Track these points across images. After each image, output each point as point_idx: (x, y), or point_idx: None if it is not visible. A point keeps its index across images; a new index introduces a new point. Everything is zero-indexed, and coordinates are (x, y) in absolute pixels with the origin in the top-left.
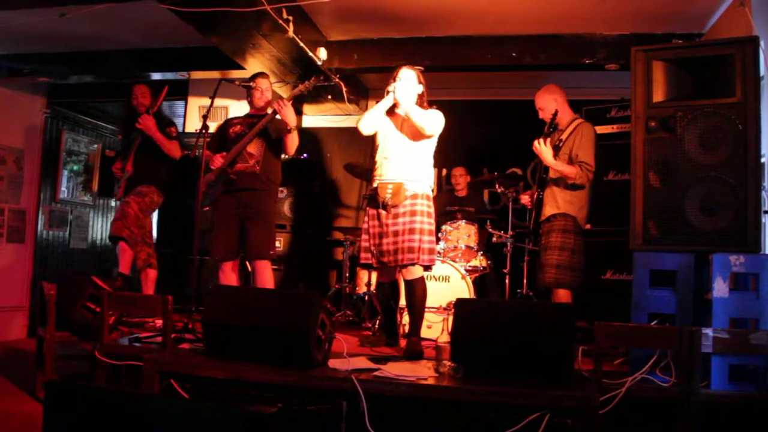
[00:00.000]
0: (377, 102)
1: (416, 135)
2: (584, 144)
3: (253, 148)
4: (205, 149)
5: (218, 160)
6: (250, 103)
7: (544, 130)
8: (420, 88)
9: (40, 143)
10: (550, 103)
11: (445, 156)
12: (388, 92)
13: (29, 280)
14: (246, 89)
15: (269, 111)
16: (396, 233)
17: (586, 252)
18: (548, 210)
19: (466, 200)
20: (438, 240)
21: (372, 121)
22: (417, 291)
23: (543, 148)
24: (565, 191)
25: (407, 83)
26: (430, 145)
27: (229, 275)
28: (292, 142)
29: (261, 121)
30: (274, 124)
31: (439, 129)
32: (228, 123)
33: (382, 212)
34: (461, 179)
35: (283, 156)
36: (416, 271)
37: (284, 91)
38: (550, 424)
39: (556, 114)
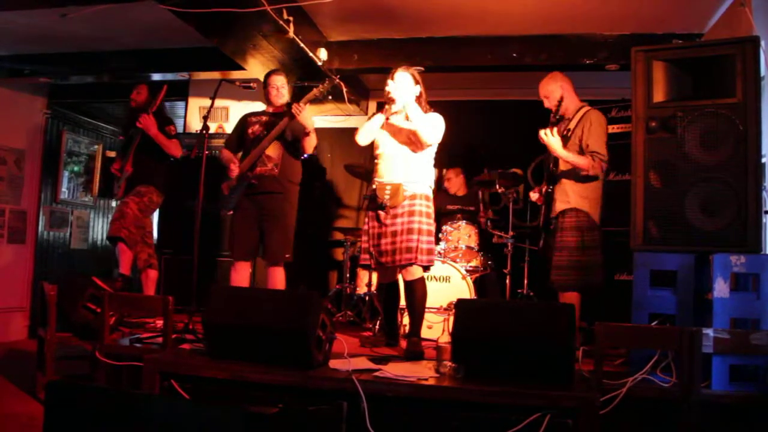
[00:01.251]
0: (377, 103)
1: (415, 136)
2: (594, 132)
3: (272, 150)
4: (211, 150)
5: (235, 170)
6: (268, 101)
7: (549, 119)
8: (417, 90)
9: (41, 144)
10: (555, 90)
11: (445, 156)
12: (387, 94)
13: (30, 280)
14: (264, 87)
15: (286, 109)
16: (394, 233)
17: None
18: (559, 206)
19: (465, 199)
20: (438, 240)
21: (369, 133)
22: (417, 292)
23: (551, 139)
24: (577, 185)
25: (401, 86)
26: (429, 146)
27: (241, 273)
28: (310, 143)
29: (277, 127)
30: (291, 127)
31: (438, 137)
32: (246, 121)
33: (381, 213)
34: (454, 180)
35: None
36: (416, 272)
37: None
38: (550, 425)
39: (561, 101)
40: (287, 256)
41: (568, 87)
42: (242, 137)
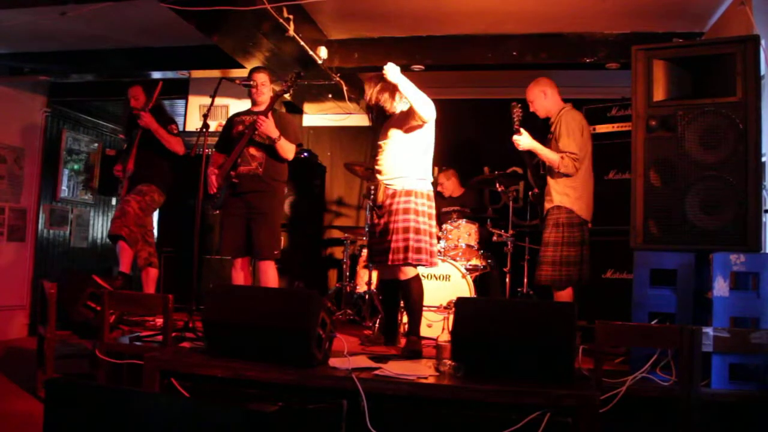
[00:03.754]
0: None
1: (401, 130)
2: (564, 131)
3: (255, 149)
4: (211, 148)
5: (212, 179)
6: (250, 98)
7: (513, 127)
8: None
9: (41, 142)
10: (538, 95)
11: (445, 155)
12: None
13: (30, 278)
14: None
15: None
16: (381, 233)
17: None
18: (546, 205)
19: (460, 200)
20: (438, 239)
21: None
22: (412, 291)
23: (518, 138)
24: (558, 183)
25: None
26: (416, 140)
27: (239, 272)
28: (283, 150)
29: (243, 139)
30: (265, 132)
31: (432, 113)
32: (233, 120)
33: (375, 213)
34: (447, 184)
35: None
36: (408, 272)
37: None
38: (550, 423)
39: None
40: (276, 252)
41: (551, 91)
42: (228, 137)
